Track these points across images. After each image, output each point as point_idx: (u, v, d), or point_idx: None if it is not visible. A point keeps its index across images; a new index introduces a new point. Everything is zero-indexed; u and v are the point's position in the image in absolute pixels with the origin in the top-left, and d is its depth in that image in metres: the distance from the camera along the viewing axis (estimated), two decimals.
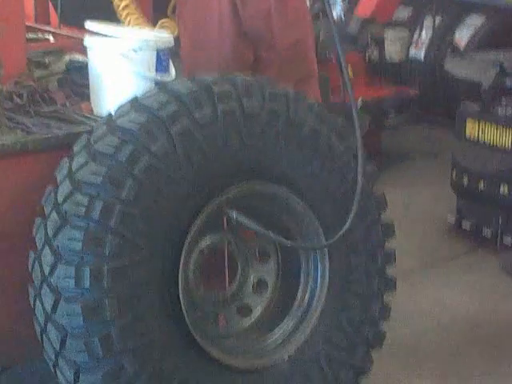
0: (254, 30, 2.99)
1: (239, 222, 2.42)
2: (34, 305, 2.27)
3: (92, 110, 2.63)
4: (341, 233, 2.50)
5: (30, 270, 2.29)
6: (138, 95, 2.36)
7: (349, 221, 2.51)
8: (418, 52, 5.38)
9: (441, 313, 3.45)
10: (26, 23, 2.91)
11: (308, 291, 2.58)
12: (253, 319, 2.60)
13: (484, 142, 3.97)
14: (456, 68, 4.49)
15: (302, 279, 2.59)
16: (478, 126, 3.99)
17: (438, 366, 3.08)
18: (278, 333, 2.56)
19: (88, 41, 2.60)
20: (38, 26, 3.36)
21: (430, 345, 3.22)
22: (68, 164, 2.28)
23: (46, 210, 2.27)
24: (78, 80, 2.78)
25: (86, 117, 2.57)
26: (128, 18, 2.94)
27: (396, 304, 2.78)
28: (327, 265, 2.55)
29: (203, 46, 3.01)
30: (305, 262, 2.58)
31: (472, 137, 4.03)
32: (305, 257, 2.58)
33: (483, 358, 3.13)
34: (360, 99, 4.76)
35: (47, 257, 2.20)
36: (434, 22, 5.39)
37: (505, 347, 3.21)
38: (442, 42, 5.30)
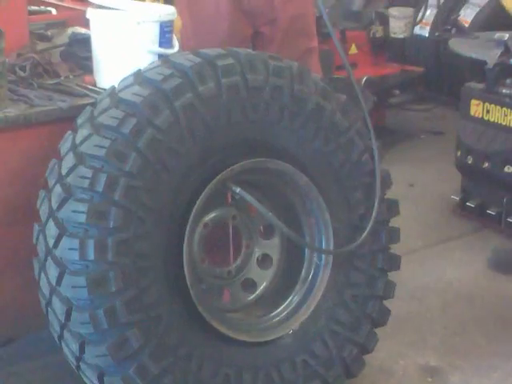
0: (254, 5, 2.97)
1: (243, 198, 2.41)
2: (39, 277, 2.28)
3: (95, 83, 2.62)
4: (353, 246, 2.52)
5: (34, 242, 2.29)
6: (142, 68, 2.35)
7: (365, 232, 2.52)
8: (423, 31, 5.35)
9: (445, 291, 3.44)
10: None
11: (312, 267, 2.58)
12: (257, 294, 2.60)
13: (489, 122, 3.95)
14: (460, 47, 4.46)
15: (306, 255, 2.59)
16: (483, 105, 3.98)
17: (442, 343, 3.07)
18: (283, 308, 2.55)
19: (90, 13, 2.58)
20: None
21: (434, 322, 3.21)
22: (72, 137, 2.28)
23: (50, 183, 2.26)
24: (80, 53, 2.76)
25: (90, 89, 2.56)
26: None
27: (400, 282, 2.78)
28: (331, 241, 2.54)
29: (201, 22, 3.00)
30: (309, 238, 2.57)
31: (476, 116, 4.01)
32: (309, 233, 2.57)
33: (487, 336, 3.12)
34: (364, 78, 4.76)
35: (51, 229, 2.20)
36: (439, 0, 5.35)
37: (509, 326, 3.21)
38: (446, 20, 5.27)
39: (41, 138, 2.41)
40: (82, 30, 2.89)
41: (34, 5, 3.15)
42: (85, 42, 2.73)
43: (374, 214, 2.54)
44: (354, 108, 2.59)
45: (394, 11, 5.07)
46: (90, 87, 2.59)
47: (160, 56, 2.52)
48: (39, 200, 2.29)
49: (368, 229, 2.53)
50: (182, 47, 2.87)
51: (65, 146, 2.28)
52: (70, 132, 2.30)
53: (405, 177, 4.51)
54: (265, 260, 2.63)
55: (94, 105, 2.33)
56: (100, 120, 2.24)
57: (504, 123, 3.89)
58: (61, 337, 2.25)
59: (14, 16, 2.60)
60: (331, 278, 2.56)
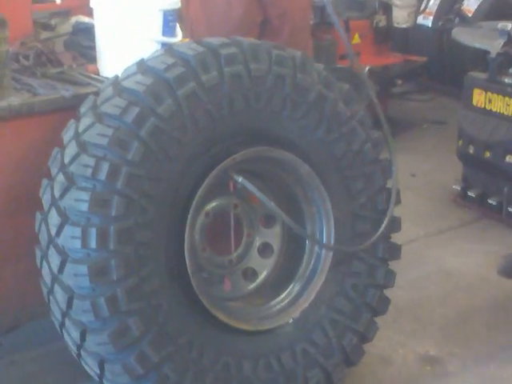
0: None
1: (244, 187, 2.42)
2: (41, 266, 2.29)
3: (98, 72, 2.62)
4: (367, 243, 2.53)
5: (36, 231, 2.30)
6: (145, 57, 2.35)
7: (380, 229, 2.54)
8: (426, 20, 5.34)
9: (445, 280, 3.45)
10: None
11: (313, 256, 2.59)
12: (258, 283, 2.62)
13: (491, 111, 3.95)
14: (463, 36, 4.45)
15: (307, 244, 2.60)
16: (485, 95, 3.97)
17: (441, 332, 3.08)
18: (283, 297, 2.57)
19: (94, 2, 2.59)
20: None
21: (434, 311, 3.22)
22: (74, 125, 2.28)
23: (53, 172, 2.27)
24: (84, 42, 2.77)
25: (93, 78, 2.57)
26: None
27: (400, 271, 2.78)
28: (332, 230, 2.55)
29: (213, 9, 3.00)
30: (310, 227, 2.58)
31: (479, 106, 4.01)
32: (310, 221, 2.58)
33: (486, 325, 3.13)
34: (367, 68, 4.76)
35: (54, 218, 2.21)
36: None
37: (508, 316, 3.22)
38: (449, 10, 5.26)
39: (44, 127, 2.41)
40: (86, 19, 2.89)
41: None
42: (88, 31, 2.74)
43: (389, 213, 2.56)
44: (357, 97, 2.60)
45: (397, 1, 5.06)
46: (93, 76, 2.60)
47: (163, 45, 2.53)
48: (42, 188, 2.30)
49: (384, 224, 2.54)
50: (193, 34, 2.88)
51: (68, 134, 2.28)
52: (72, 121, 2.31)
53: (406, 166, 4.51)
54: (266, 249, 2.64)
55: (97, 93, 2.33)
56: (103, 109, 2.24)
57: (506, 113, 3.89)
58: (62, 325, 2.26)
59: (17, 5, 2.61)
60: (332, 267, 2.57)
